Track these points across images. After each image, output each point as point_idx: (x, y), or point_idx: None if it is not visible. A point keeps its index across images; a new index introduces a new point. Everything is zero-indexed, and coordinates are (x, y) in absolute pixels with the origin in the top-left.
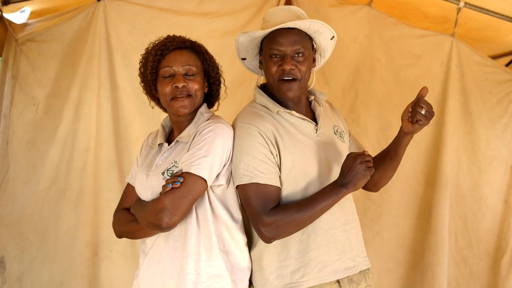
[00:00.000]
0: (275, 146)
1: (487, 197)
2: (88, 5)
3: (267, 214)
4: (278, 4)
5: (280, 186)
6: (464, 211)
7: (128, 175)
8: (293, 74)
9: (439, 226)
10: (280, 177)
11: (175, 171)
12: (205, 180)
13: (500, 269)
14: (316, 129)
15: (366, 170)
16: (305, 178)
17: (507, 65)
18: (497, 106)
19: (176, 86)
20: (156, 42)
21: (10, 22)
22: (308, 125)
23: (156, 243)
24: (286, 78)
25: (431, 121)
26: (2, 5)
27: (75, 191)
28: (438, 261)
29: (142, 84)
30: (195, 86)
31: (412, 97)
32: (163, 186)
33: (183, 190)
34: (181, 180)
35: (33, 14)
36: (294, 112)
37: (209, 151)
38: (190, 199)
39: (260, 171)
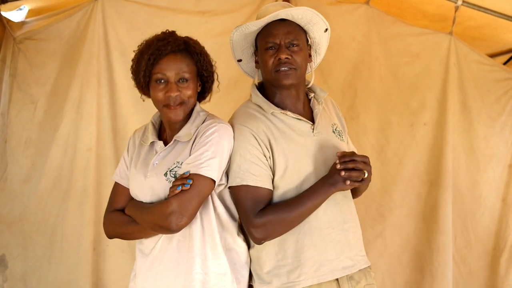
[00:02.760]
0: (269, 148)
1: (485, 195)
2: (86, 4)
3: (256, 215)
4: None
5: (271, 189)
6: (463, 209)
7: (114, 173)
8: (290, 63)
9: (446, 226)
10: (274, 178)
11: (178, 172)
12: (213, 181)
13: (499, 268)
14: (313, 129)
15: (356, 172)
16: (300, 179)
17: (505, 63)
18: (495, 104)
19: (169, 96)
20: (150, 42)
21: (8, 20)
22: (304, 124)
23: (159, 244)
24: (284, 68)
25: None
26: (0, 4)
27: (79, 190)
28: (446, 261)
29: (134, 82)
30: (188, 93)
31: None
32: (171, 188)
33: (192, 192)
34: (191, 182)
35: (31, 13)
36: (288, 113)
37: (217, 152)
38: (199, 200)
39: (251, 173)
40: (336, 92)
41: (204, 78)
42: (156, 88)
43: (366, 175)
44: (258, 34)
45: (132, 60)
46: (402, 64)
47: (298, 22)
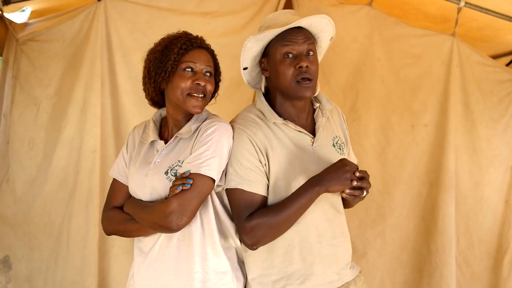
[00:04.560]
0: (264, 155)
1: (488, 197)
2: (88, 5)
3: (245, 220)
4: (278, 4)
5: (266, 195)
6: (465, 211)
7: (112, 169)
8: (309, 72)
9: (446, 227)
10: (268, 185)
11: (179, 171)
12: (213, 181)
13: (502, 270)
14: (313, 142)
15: (349, 183)
16: (292, 190)
17: (507, 64)
18: (498, 105)
19: (197, 84)
20: (177, 35)
21: (11, 22)
22: (304, 137)
23: (158, 243)
24: (305, 76)
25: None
26: (3, 5)
27: (84, 192)
28: (446, 262)
29: (152, 74)
30: (210, 87)
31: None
32: (171, 188)
33: (193, 192)
34: (191, 182)
35: (33, 14)
36: (290, 124)
37: (216, 151)
38: (199, 200)
39: (247, 178)
40: (338, 94)
41: (216, 79)
42: (184, 76)
43: (365, 194)
44: (270, 42)
45: (154, 52)
46: (404, 65)
47: (311, 29)
